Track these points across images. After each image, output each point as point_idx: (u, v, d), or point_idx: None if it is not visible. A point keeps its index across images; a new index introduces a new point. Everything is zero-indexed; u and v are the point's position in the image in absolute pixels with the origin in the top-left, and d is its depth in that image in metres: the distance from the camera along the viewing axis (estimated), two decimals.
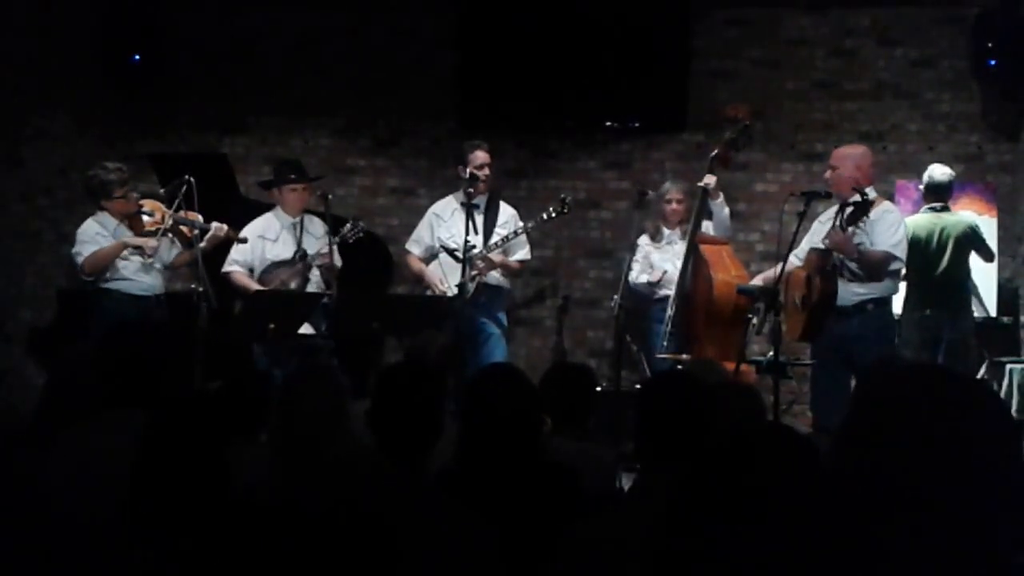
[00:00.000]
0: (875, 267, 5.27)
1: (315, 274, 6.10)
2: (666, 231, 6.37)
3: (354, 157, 7.72)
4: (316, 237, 6.14)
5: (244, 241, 6.10)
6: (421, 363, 4.27)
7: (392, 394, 2.80)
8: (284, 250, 6.14)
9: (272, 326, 5.57)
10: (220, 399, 3.50)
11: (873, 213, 5.20)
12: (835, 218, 5.38)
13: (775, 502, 1.54)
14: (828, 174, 5.46)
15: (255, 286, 6.04)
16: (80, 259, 5.85)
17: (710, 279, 5.88)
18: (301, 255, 6.13)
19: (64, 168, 7.73)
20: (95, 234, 5.89)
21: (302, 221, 6.16)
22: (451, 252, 6.13)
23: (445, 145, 7.49)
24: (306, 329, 5.93)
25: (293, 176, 6.19)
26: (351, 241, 6.10)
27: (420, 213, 7.50)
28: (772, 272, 5.61)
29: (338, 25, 7.62)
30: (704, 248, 5.99)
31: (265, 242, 6.15)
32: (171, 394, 2.97)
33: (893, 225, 5.31)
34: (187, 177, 5.83)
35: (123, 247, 5.83)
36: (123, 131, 7.64)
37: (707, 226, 6.19)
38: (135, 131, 7.61)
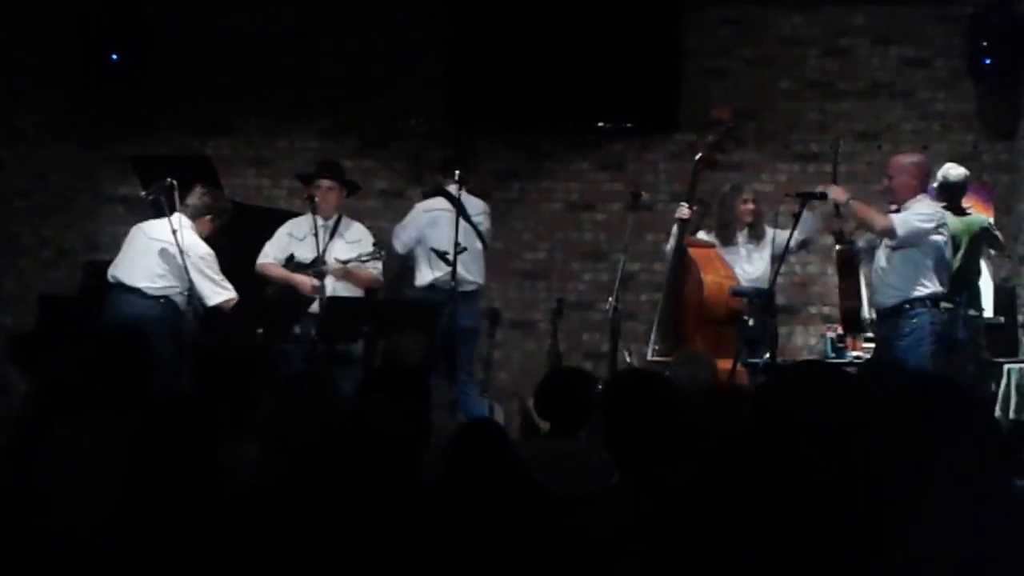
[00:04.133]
0: (869, 223, 5.49)
1: (331, 280, 5.96)
2: (737, 234, 6.04)
3: (341, 158, 7.59)
4: (348, 242, 6.03)
5: None
6: (398, 365, 4.24)
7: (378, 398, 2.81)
8: (308, 251, 6.00)
9: (260, 331, 5.49)
10: (204, 398, 3.46)
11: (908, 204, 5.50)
12: None
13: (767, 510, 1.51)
14: (885, 183, 5.63)
15: (279, 272, 6.00)
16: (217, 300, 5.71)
17: (700, 280, 5.87)
18: (289, 258, 6.04)
19: (43, 171, 7.61)
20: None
21: (337, 224, 6.04)
22: (442, 255, 6.08)
23: (434, 146, 7.41)
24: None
25: (328, 174, 6.07)
26: (365, 262, 6.01)
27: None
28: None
29: (325, 25, 7.53)
30: (692, 251, 5.98)
31: (292, 240, 6.07)
32: (159, 396, 2.97)
33: (917, 212, 5.45)
34: (170, 180, 5.71)
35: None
36: (103, 133, 7.53)
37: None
38: (116, 133, 7.50)
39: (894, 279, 5.46)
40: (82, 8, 7.38)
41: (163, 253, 5.72)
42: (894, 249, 5.34)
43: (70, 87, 7.51)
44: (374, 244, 6.11)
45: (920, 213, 5.46)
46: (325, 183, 6.06)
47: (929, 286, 5.46)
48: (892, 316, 5.42)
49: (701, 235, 6.18)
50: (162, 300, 5.69)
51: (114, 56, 7.39)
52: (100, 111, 7.52)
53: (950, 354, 5.92)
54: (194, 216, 5.81)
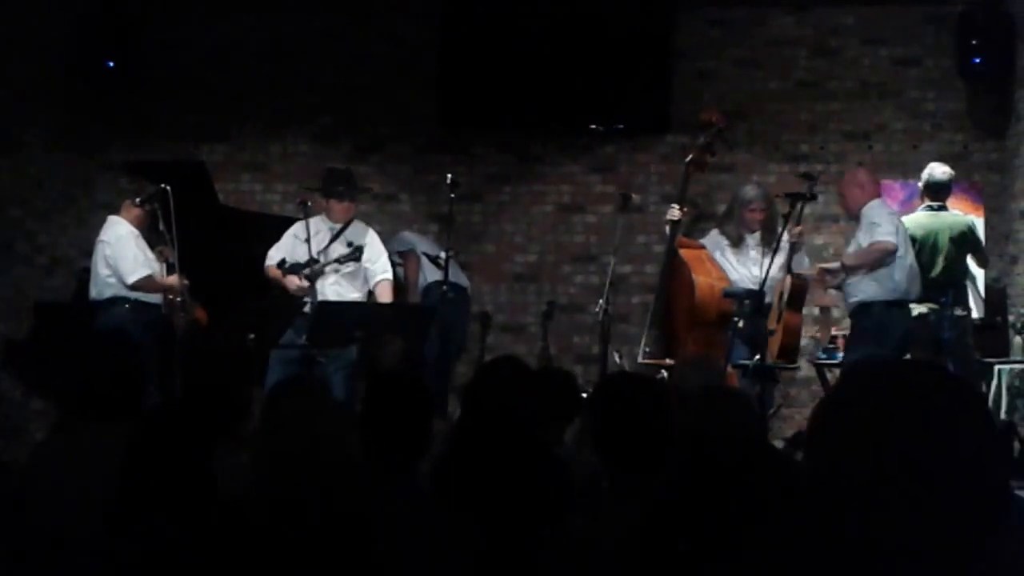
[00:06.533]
0: (870, 263, 5.55)
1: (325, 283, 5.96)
2: (747, 237, 6.11)
3: (335, 163, 7.60)
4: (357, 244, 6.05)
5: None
6: (380, 369, 4.24)
7: (383, 404, 2.79)
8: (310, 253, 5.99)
9: (252, 336, 5.51)
10: (195, 406, 3.46)
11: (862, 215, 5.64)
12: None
13: (759, 518, 1.50)
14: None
15: (274, 273, 6.00)
16: (133, 278, 5.82)
17: (692, 282, 5.87)
18: (281, 262, 6.06)
19: (38, 179, 7.62)
20: (136, 251, 5.87)
21: (344, 228, 6.07)
22: (433, 259, 6.13)
23: (427, 150, 7.41)
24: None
25: (341, 189, 6.08)
26: (343, 262, 6.02)
27: (403, 219, 7.43)
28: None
29: (318, 30, 7.54)
30: (684, 252, 5.97)
31: (296, 242, 6.05)
32: (150, 404, 2.97)
33: (876, 217, 5.61)
34: (163, 186, 5.74)
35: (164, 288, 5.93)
36: (98, 139, 7.54)
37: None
38: (110, 139, 7.51)
39: (848, 284, 5.62)
40: (77, 15, 7.38)
41: (96, 253, 5.91)
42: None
43: (65, 94, 7.51)
44: (348, 244, 6.08)
45: (880, 215, 5.62)
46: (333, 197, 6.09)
47: (881, 288, 5.51)
48: (852, 318, 5.62)
49: (713, 234, 6.18)
50: (128, 305, 5.78)
51: (109, 63, 7.39)
52: (95, 118, 7.53)
53: (936, 354, 5.95)
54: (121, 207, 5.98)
